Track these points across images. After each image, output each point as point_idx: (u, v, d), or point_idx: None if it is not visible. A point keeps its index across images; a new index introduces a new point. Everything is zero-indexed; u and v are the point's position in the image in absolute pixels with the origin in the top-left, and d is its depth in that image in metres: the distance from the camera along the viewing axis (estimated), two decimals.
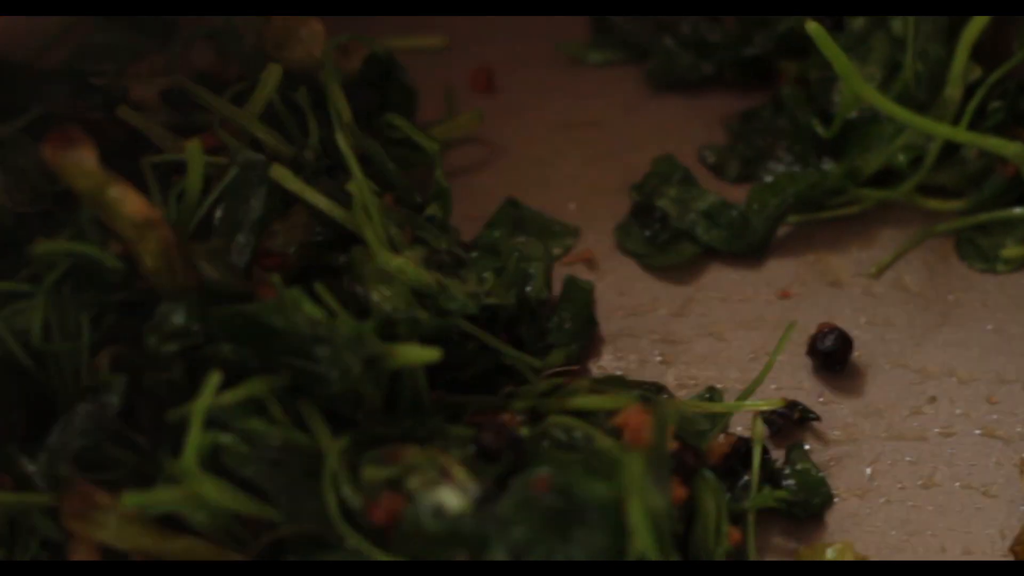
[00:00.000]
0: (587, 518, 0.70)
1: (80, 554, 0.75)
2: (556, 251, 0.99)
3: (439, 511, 0.72)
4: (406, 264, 0.83)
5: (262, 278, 0.83)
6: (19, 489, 0.78)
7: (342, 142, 0.89)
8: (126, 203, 0.75)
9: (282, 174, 0.85)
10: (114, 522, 0.73)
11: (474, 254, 0.92)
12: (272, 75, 0.92)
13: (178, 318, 0.77)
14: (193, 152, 0.80)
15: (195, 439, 0.72)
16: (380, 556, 0.73)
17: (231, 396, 0.74)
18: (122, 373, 0.78)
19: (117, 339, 0.80)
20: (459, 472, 0.74)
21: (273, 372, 0.76)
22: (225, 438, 0.73)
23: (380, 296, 0.81)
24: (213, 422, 0.73)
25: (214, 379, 0.72)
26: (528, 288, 0.93)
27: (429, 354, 0.76)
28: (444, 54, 1.09)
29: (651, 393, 0.89)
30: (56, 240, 0.80)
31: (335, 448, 0.75)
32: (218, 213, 0.84)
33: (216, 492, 0.72)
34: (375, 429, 0.78)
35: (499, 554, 0.70)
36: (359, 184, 0.87)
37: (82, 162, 0.73)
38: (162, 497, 0.72)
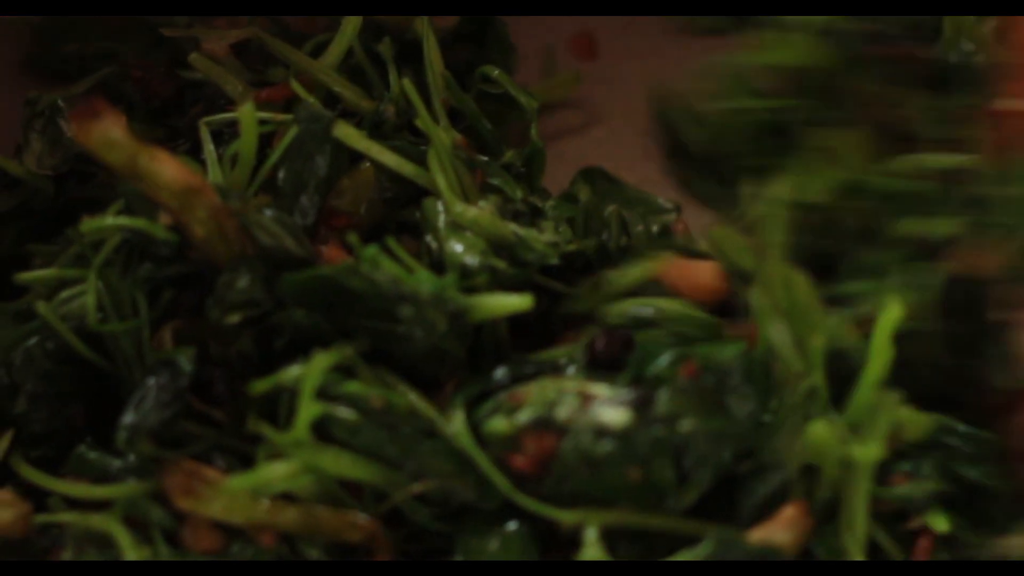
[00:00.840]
0: (733, 383, 0.70)
1: (197, 538, 0.72)
2: (654, 228, 0.93)
3: (602, 432, 0.68)
4: (481, 215, 0.79)
5: (329, 239, 0.80)
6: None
7: (432, 88, 0.86)
8: (163, 171, 0.71)
9: (346, 132, 0.81)
10: (224, 496, 0.70)
11: (551, 202, 0.87)
12: (350, 25, 0.88)
13: (241, 287, 0.73)
14: (246, 113, 0.77)
15: (307, 410, 0.69)
16: (531, 504, 0.70)
17: (324, 361, 0.71)
18: (189, 345, 0.74)
19: (177, 314, 0.77)
20: (600, 389, 0.70)
21: (349, 337, 0.73)
22: (339, 410, 0.70)
23: (456, 248, 0.78)
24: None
25: (323, 354, 0.70)
26: (605, 236, 0.89)
27: (518, 302, 0.73)
28: (546, 17, 1.03)
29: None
30: (102, 216, 0.76)
31: (459, 400, 0.73)
32: (281, 173, 0.81)
33: (337, 462, 0.70)
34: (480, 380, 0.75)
35: (667, 459, 0.68)
36: (435, 132, 0.83)
37: (110, 134, 0.69)
38: (273, 474, 0.70)
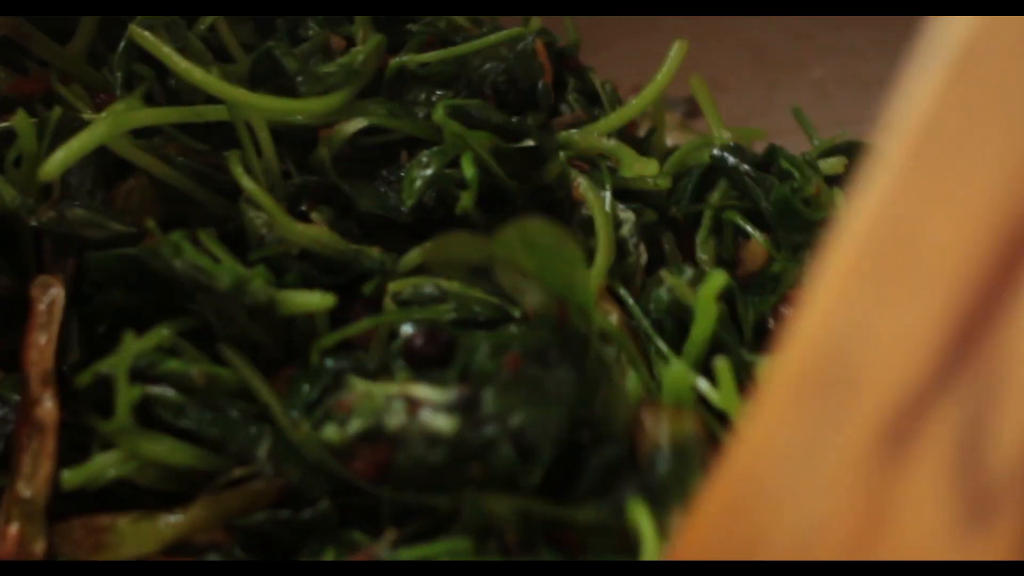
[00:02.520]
0: (551, 360, 0.68)
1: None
2: None
3: (434, 440, 0.67)
4: (321, 232, 0.77)
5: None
6: None
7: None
8: None
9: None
10: (129, 534, 0.68)
11: None
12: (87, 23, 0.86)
13: None
14: (22, 122, 0.76)
15: (125, 395, 0.67)
16: (379, 490, 0.69)
17: (135, 344, 0.69)
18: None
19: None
20: (426, 392, 0.68)
21: (172, 316, 0.72)
22: (159, 390, 0.68)
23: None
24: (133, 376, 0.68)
25: (133, 337, 0.68)
26: None
27: (320, 300, 0.71)
28: None
29: None
30: None
31: (292, 392, 0.70)
32: None
33: (156, 447, 0.68)
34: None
35: (505, 447, 0.66)
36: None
37: None
38: (101, 465, 0.68)
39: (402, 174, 0.81)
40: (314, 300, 0.71)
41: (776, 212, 0.82)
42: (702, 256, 0.84)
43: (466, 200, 0.77)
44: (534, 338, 0.69)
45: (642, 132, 0.96)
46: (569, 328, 0.69)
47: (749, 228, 0.84)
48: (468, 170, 0.78)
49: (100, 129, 0.73)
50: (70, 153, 0.72)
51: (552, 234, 0.66)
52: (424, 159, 0.79)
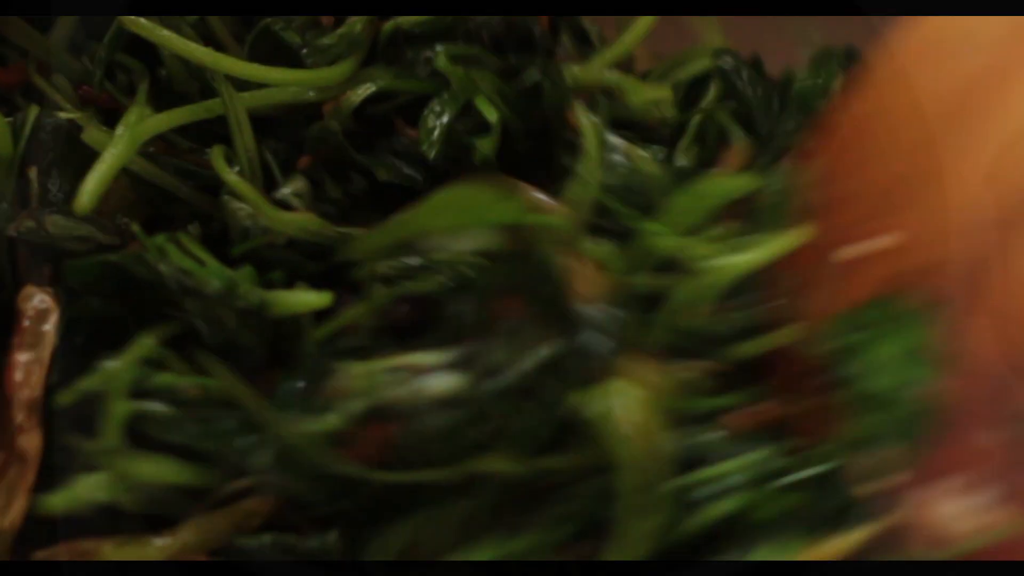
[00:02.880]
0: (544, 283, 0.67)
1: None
2: None
3: (443, 403, 0.64)
4: (308, 219, 0.75)
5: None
6: None
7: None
8: None
9: (96, 138, 0.75)
10: (111, 551, 0.66)
11: None
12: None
13: None
14: None
15: (116, 411, 0.65)
16: (383, 476, 0.66)
17: (127, 357, 0.67)
18: None
19: None
20: (422, 357, 0.66)
21: (152, 324, 0.69)
22: (151, 406, 0.66)
23: None
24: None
25: (132, 350, 0.67)
26: None
27: (317, 299, 0.69)
28: None
29: None
30: None
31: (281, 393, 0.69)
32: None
33: (148, 467, 0.65)
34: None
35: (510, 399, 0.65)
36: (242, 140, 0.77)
37: None
38: (86, 488, 0.65)
39: (404, 140, 0.80)
40: (310, 299, 0.69)
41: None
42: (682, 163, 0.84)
43: (486, 146, 0.76)
44: (508, 275, 0.68)
45: None
46: (532, 256, 0.67)
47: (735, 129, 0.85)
48: (489, 112, 0.77)
49: (121, 148, 0.74)
50: (100, 180, 0.72)
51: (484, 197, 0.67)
52: (437, 107, 0.78)
